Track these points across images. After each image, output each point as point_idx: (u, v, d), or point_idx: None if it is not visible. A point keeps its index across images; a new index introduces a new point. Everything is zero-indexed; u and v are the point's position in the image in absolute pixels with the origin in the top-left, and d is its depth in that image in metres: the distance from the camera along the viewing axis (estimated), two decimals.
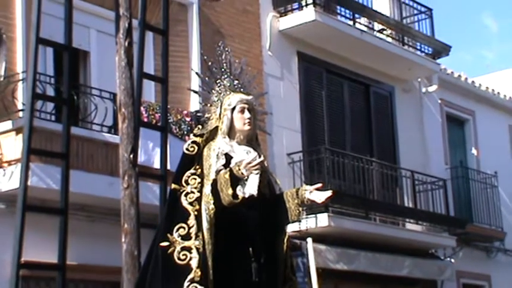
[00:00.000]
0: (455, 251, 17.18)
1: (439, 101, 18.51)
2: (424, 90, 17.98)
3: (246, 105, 5.54)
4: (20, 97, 10.46)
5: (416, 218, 16.39)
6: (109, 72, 9.06)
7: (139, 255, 6.77)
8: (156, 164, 8.12)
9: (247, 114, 5.51)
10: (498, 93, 20.48)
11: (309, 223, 12.98)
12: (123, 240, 7.05)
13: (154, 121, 10.74)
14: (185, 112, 12.17)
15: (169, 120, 10.73)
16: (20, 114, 10.10)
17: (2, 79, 10.30)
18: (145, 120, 10.63)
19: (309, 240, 11.50)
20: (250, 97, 5.64)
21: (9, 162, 10.15)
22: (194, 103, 11.83)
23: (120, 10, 7.50)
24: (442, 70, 18.36)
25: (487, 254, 18.75)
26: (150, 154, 9.61)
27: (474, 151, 19.41)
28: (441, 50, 17.76)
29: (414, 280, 16.18)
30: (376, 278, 15.26)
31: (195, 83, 11.51)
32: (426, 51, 17.50)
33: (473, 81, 19.96)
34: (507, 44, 56.70)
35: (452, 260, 17.13)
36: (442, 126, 18.57)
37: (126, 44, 7.46)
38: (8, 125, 10.28)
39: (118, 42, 7.50)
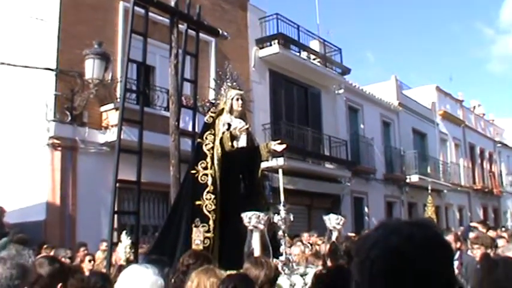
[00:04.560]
0: (350, 179, 17.21)
1: (344, 99, 18.36)
2: (336, 92, 17.85)
3: (240, 96, 5.54)
4: (118, 90, 10.36)
5: (331, 161, 16.38)
6: (165, 77, 8.92)
7: (179, 178, 6.72)
8: (189, 128, 8.01)
9: (240, 101, 5.52)
10: (374, 95, 20.35)
11: (273, 162, 12.90)
12: (171, 169, 7.00)
13: (189, 104, 10.59)
14: (206, 100, 12.04)
15: (197, 104, 10.58)
16: (118, 99, 9.98)
17: (109, 81, 10.29)
18: (184, 103, 10.47)
19: (280, 170, 11.44)
20: (242, 92, 5.63)
21: (112, 126, 10.08)
22: (211, 95, 11.73)
23: (172, 44, 7.42)
24: (346, 81, 18.21)
25: (366, 181, 18.76)
26: (186, 122, 9.45)
27: (362, 126, 19.36)
28: (346, 70, 17.63)
29: (328, 194, 16.24)
30: (309, 194, 15.24)
31: (212, 84, 11.43)
32: (338, 71, 17.37)
33: (362, 88, 19.86)
34: (379, 66, 57.44)
35: (349, 184, 17.19)
36: (345, 113, 18.45)
37: (175, 62, 7.38)
38: (111, 105, 10.28)
39: (170, 61, 7.43)
